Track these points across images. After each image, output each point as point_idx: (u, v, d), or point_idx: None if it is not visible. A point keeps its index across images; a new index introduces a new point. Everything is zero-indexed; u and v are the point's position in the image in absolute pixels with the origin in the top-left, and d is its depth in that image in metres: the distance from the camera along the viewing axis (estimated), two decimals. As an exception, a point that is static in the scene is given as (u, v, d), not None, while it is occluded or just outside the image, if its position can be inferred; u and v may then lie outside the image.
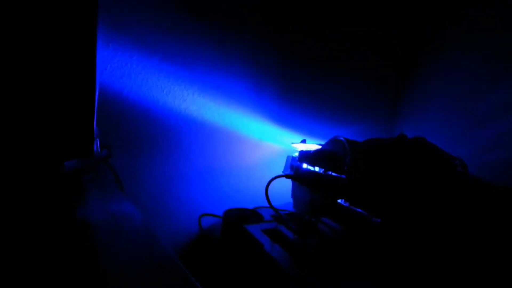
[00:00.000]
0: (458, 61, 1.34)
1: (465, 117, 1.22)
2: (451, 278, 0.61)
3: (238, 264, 1.01)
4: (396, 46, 1.55)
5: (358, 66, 1.48)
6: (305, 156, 0.92)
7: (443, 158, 0.62)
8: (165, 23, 1.09)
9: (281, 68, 1.30)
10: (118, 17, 1.02)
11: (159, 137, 1.13)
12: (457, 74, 1.33)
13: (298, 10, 1.30)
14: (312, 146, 1.05)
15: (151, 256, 0.46)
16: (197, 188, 1.23)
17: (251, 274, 0.92)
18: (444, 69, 1.40)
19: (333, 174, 0.84)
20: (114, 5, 1.01)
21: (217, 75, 1.19)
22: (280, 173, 1.17)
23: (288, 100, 1.34)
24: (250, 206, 1.19)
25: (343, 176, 0.78)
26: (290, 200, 1.12)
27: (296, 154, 1.07)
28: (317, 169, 0.94)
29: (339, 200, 0.99)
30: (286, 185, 1.15)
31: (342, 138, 0.82)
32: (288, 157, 1.16)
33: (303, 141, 1.13)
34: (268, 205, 1.08)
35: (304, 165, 0.98)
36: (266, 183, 1.00)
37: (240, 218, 1.11)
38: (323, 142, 1.01)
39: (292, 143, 1.15)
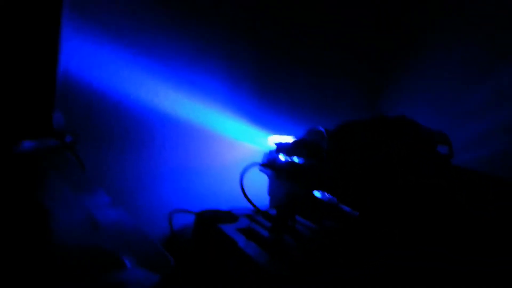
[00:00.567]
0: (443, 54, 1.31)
1: (453, 110, 1.20)
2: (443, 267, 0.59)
3: (213, 262, 0.96)
4: (378, 42, 1.55)
5: (339, 63, 1.48)
6: (282, 147, 0.90)
7: (429, 138, 0.61)
8: (141, 15, 1.06)
9: (257, 65, 1.30)
10: (92, 7, 0.99)
11: (130, 132, 1.09)
12: (444, 66, 1.30)
13: (276, 6, 1.31)
14: (289, 138, 1.03)
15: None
16: (169, 187, 1.18)
17: (228, 268, 0.88)
18: (428, 65, 1.37)
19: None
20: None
21: (193, 71, 1.17)
22: (257, 174, 1.15)
23: (265, 99, 1.32)
24: (225, 208, 1.15)
25: (322, 163, 0.76)
26: (266, 203, 1.10)
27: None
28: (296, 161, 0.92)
29: (318, 195, 0.97)
30: (262, 185, 1.12)
31: (320, 127, 0.81)
32: (265, 153, 1.14)
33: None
34: (243, 207, 1.05)
35: (282, 158, 0.96)
36: (247, 195, 0.98)
37: (214, 218, 1.07)
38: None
39: (269, 137, 1.13)
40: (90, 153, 0.99)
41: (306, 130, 0.91)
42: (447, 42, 1.32)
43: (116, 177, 1.07)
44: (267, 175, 1.09)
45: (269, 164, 0.96)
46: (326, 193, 0.91)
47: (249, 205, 1.04)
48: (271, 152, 1.08)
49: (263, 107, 1.33)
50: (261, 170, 1.11)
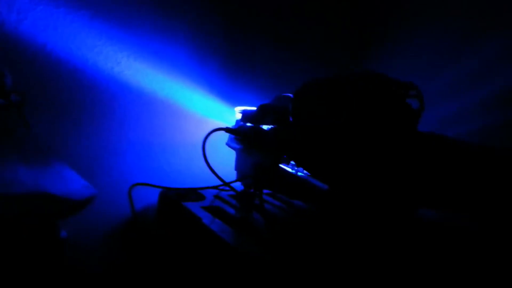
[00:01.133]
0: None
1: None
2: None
3: (177, 241, 0.91)
4: (352, 19, 1.51)
5: (313, 38, 1.44)
6: (247, 114, 0.86)
7: (398, 90, 0.58)
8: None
9: (227, 39, 1.24)
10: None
11: (88, 102, 1.00)
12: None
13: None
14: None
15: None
16: (131, 164, 1.11)
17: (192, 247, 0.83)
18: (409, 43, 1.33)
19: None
20: None
21: (157, 40, 1.10)
22: (226, 154, 1.10)
23: (234, 75, 1.27)
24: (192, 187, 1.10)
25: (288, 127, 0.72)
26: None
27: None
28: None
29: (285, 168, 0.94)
30: (229, 164, 1.08)
31: (288, 94, 0.77)
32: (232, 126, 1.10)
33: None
34: (211, 186, 1.00)
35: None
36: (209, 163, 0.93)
37: (179, 196, 1.02)
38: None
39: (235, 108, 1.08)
40: (42, 122, 0.91)
41: (273, 97, 0.87)
42: (431, 13, 1.29)
43: (71, 150, 0.99)
44: (234, 149, 1.04)
45: (232, 129, 0.91)
46: (293, 162, 0.88)
47: (216, 183, 1.00)
48: (237, 121, 1.03)
49: (232, 82, 1.27)
50: (227, 144, 1.06)
